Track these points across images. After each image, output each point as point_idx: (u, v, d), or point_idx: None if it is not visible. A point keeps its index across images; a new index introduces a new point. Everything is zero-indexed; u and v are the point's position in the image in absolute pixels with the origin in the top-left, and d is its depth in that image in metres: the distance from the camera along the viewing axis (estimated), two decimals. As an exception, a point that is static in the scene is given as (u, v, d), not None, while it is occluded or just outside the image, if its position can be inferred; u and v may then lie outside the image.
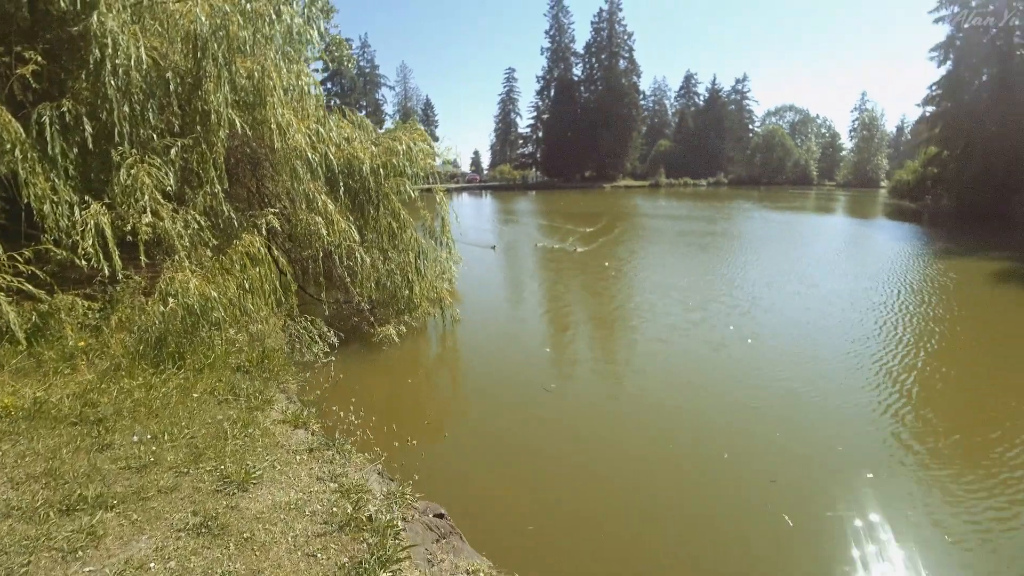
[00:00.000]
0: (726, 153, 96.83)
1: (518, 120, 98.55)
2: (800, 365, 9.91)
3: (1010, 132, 34.30)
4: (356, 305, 11.16)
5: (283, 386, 6.84)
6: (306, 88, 10.33)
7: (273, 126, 9.13)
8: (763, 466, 6.51)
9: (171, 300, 6.50)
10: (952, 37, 40.75)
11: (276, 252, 9.52)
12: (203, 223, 8.23)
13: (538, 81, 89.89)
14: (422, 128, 13.19)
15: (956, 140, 41.17)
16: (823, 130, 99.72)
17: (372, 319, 10.96)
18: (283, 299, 8.47)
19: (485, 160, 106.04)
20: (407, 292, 11.57)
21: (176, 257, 7.53)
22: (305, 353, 8.84)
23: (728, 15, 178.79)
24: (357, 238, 10.40)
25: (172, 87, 8.37)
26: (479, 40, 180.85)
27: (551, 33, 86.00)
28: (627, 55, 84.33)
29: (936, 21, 41.52)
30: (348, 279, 10.79)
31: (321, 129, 10.39)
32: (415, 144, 11.99)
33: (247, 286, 7.69)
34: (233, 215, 9.10)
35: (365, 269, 10.86)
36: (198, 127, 8.67)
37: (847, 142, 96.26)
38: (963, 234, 29.34)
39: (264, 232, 9.31)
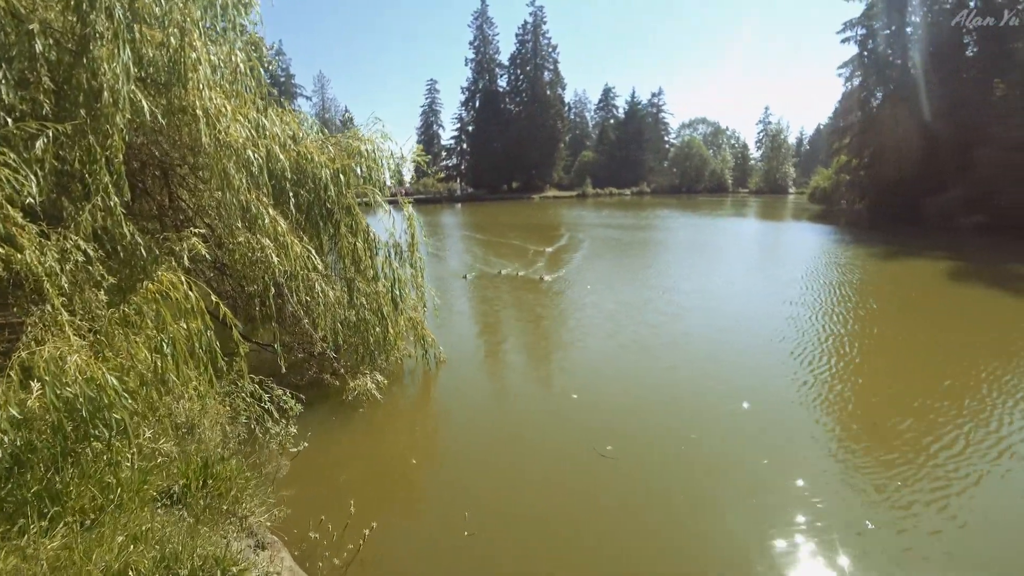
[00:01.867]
0: (647, 163, 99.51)
1: (441, 132, 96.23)
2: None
3: (912, 141, 36.50)
4: (317, 352, 8.51)
5: (246, 519, 4.26)
6: (241, 67, 7.63)
7: (198, 112, 6.46)
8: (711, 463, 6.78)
9: (35, 391, 3.75)
10: (859, 54, 43.62)
11: (201, 291, 6.75)
12: (91, 253, 5.41)
13: (463, 92, 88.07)
14: (382, 128, 10.69)
15: (864, 149, 44.20)
16: (733, 141, 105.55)
17: (340, 369, 8.37)
18: (225, 363, 5.69)
19: (407, 172, 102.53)
20: (381, 331, 9.05)
21: (47, 308, 4.71)
22: (262, 437, 6.17)
23: (641, 31, 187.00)
24: (319, 265, 7.83)
25: (40, 49, 5.55)
26: (399, 50, 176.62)
27: (475, 44, 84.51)
28: (552, 67, 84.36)
29: (843, 41, 44.53)
30: (306, 319, 8.14)
31: (264, 120, 7.75)
32: (381, 145, 9.56)
33: (167, 350, 4.92)
34: (139, 239, 6.27)
35: (328, 305, 8.27)
36: (82, 111, 5.84)
37: (755, 152, 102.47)
38: (878, 233, 31.74)
39: (185, 262, 6.58)
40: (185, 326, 4.91)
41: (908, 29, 39.23)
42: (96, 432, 3.80)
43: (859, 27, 43.08)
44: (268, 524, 4.66)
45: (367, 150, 9.42)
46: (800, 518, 5.72)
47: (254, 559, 3.88)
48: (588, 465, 6.78)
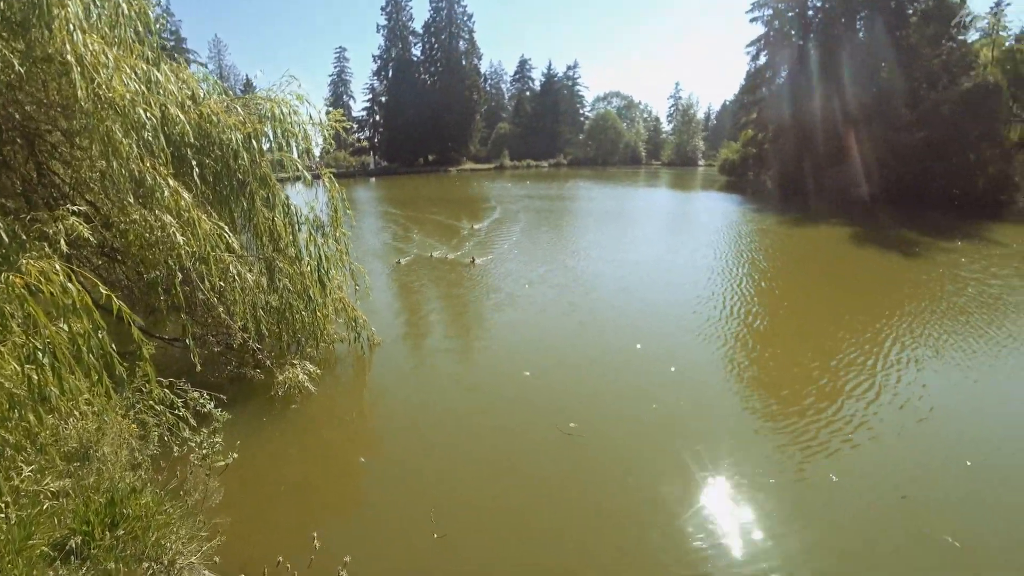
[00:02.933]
0: (563, 136, 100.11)
1: (352, 103, 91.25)
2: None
3: (810, 118, 38.97)
4: (236, 344, 7.52)
5: (174, 564, 3.47)
6: (124, 7, 6.30)
7: (70, 59, 5.24)
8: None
9: None
10: (765, 34, 45.71)
11: (87, 282, 5.60)
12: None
13: (374, 61, 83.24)
14: (298, 88, 9.50)
15: (768, 124, 46.73)
16: (645, 115, 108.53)
17: (266, 361, 7.46)
18: (125, 368, 4.65)
19: (317, 147, 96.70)
20: (308, 316, 8.17)
21: None
22: (179, 451, 5.24)
23: (557, 4, 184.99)
24: (235, 245, 6.82)
25: None
26: (304, 16, 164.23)
27: (388, 10, 79.80)
28: (467, 36, 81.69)
29: (752, 20, 46.36)
30: (221, 307, 7.12)
31: (157, 75, 6.53)
32: (297, 107, 8.51)
33: (44, 359, 3.88)
34: (-1, 220, 5.05)
35: (246, 290, 7.28)
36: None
37: (666, 126, 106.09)
38: (782, 203, 34.44)
39: (63, 247, 5.44)
40: (67, 327, 3.90)
41: (810, 12, 41.45)
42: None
43: (766, 7, 45.22)
44: (203, 564, 3.87)
45: (281, 113, 8.33)
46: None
47: None
48: (554, 445, 6.45)
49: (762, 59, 47.51)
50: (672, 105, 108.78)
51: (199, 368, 6.09)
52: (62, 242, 5.48)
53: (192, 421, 5.43)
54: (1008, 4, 36.19)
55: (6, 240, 4.93)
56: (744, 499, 5.59)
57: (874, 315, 11.40)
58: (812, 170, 37.90)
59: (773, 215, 28.59)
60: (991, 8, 37.24)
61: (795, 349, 9.68)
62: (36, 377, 3.55)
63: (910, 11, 35.19)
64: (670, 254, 19.03)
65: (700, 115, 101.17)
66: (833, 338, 10.10)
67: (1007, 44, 32.89)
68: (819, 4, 40.42)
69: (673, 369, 8.76)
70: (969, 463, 6.16)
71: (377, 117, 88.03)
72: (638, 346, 9.48)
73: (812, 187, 37.24)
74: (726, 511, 5.42)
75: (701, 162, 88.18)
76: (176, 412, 5.36)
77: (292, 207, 8.30)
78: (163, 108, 6.56)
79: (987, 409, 7.57)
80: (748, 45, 48.58)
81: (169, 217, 6.07)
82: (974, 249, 18.42)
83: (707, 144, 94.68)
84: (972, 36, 34.25)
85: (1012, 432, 6.98)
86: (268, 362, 7.70)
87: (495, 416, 7.26)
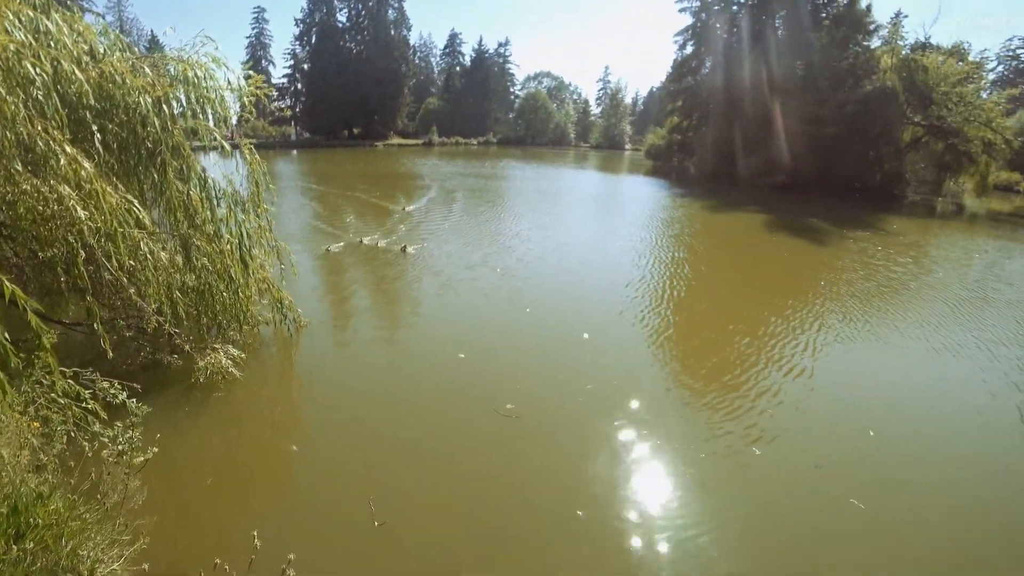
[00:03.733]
0: (493, 114, 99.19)
1: (271, 69, 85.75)
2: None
3: (732, 108, 40.88)
4: (150, 328, 6.94)
5: (93, 573, 3.15)
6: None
7: (-63, 2, 4.52)
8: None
9: None
10: (693, 25, 47.10)
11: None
12: None
13: (297, 25, 78.21)
14: (214, 49, 8.71)
15: (693, 112, 48.71)
16: (575, 97, 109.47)
17: (185, 346, 6.95)
18: (21, 360, 4.11)
19: (233, 115, 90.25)
20: (230, 297, 7.66)
21: None
22: (89, 448, 4.75)
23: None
24: (145, 220, 6.24)
25: None
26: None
27: (311, -30, 75.38)
28: (396, 4, 78.18)
29: (681, 10, 47.73)
30: (132, 288, 6.51)
31: (47, 24, 5.77)
32: (213, 71, 7.85)
33: None
34: None
35: (159, 269, 6.70)
36: None
37: (595, 109, 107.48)
38: (703, 189, 35.96)
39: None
40: None
41: (735, 7, 43.06)
42: None
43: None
44: (126, 571, 3.55)
45: (196, 76, 7.64)
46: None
47: None
48: (491, 426, 6.46)
49: (689, 49, 49.10)
50: (601, 89, 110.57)
51: (110, 355, 5.55)
52: (-66, 214, 4.79)
53: (103, 414, 4.95)
54: (906, 16, 39.60)
55: None
56: (675, 473, 5.87)
57: (787, 297, 12.32)
58: (732, 158, 39.94)
59: (696, 200, 29.91)
60: (891, 18, 40.59)
61: (718, 329, 10.22)
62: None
63: (823, 15, 37.48)
64: (608, 236, 19.57)
65: (628, 100, 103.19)
66: (752, 318, 10.77)
67: (904, 53, 35.79)
68: (743, 0, 42.08)
69: (586, 336, 9.39)
70: (872, 433, 6.77)
71: (299, 85, 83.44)
72: (585, 335, 9.55)
73: (732, 174, 39.25)
74: (659, 485, 5.67)
75: (628, 146, 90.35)
76: (83, 405, 4.86)
77: (209, 180, 7.70)
78: (55, 63, 5.83)
79: (890, 384, 8.34)
80: (676, 34, 50.19)
81: (67, 188, 5.43)
82: (874, 238, 20.19)
83: (634, 129, 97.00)
84: (875, 43, 37.17)
85: (911, 404, 7.75)
86: (187, 347, 7.17)
87: (431, 399, 7.16)
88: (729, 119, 40.80)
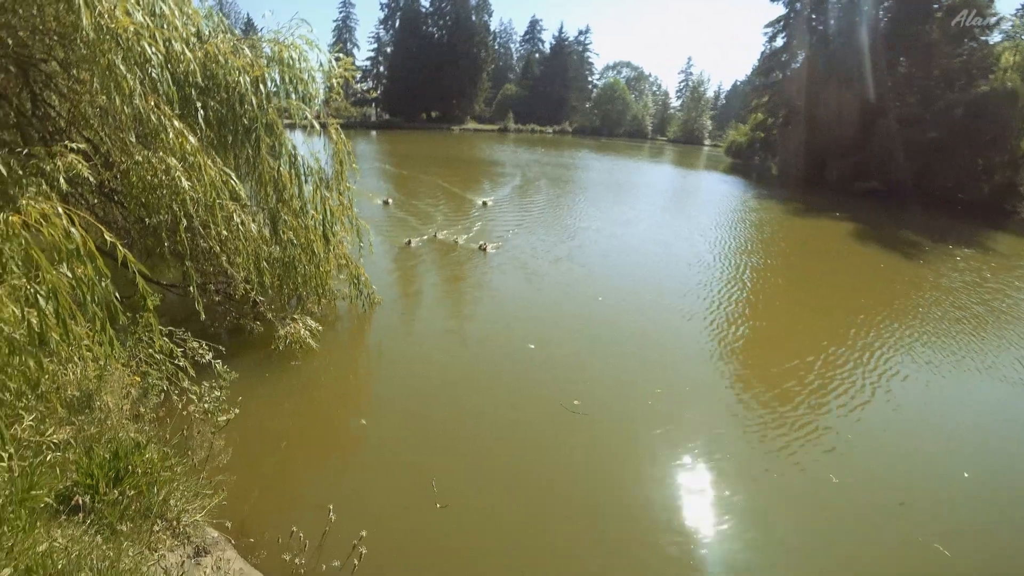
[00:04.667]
0: (570, 102, 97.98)
1: (356, 52, 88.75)
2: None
3: (823, 106, 38.13)
4: (238, 295, 7.38)
5: (178, 520, 3.40)
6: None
7: (72, -15, 4.93)
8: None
9: None
10: (786, 15, 44.21)
11: (84, 223, 5.39)
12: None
13: (382, 9, 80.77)
14: (308, 32, 9.04)
15: (780, 109, 45.73)
16: (655, 88, 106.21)
17: (268, 314, 7.34)
18: (127, 318, 4.47)
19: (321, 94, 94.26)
20: (312, 270, 8.01)
21: None
22: (179, 403, 5.13)
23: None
24: (242, 193, 6.61)
25: None
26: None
27: (397, -43, 77.14)
28: (478, -10, 79.15)
29: (773, 0, 44.69)
30: (224, 256, 6.95)
31: (162, 6, 6.17)
32: (307, 52, 8.15)
33: (45, 304, 3.65)
34: (-5, 152, 4.81)
35: (249, 240, 7.09)
36: None
37: (674, 101, 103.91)
38: (786, 191, 33.78)
39: (62, 185, 5.21)
40: (69, 272, 3.71)
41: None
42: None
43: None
44: (207, 522, 3.82)
45: (290, 57, 7.96)
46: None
47: (198, 575, 3.10)
48: (557, 419, 6.43)
49: (779, 41, 46.20)
50: (683, 81, 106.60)
51: (202, 317, 5.95)
52: (61, 180, 5.25)
53: (191, 372, 5.32)
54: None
55: (4, 174, 4.72)
56: (739, 491, 5.59)
57: (873, 313, 11.38)
58: (820, 159, 37.38)
59: (778, 203, 28.25)
60: (1017, 10, 36.05)
61: (796, 342, 9.68)
62: (39, 322, 3.40)
63: (936, 5, 33.76)
64: (687, 236, 18.45)
65: (710, 93, 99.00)
66: (835, 333, 10.07)
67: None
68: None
69: (659, 337, 8.88)
70: (967, 475, 6.17)
71: (381, 68, 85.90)
72: (657, 337, 9.32)
73: (818, 177, 36.79)
74: (721, 503, 5.42)
75: (707, 142, 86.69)
76: (175, 362, 5.24)
77: (298, 158, 8.04)
78: (167, 44, 6.24)
79: (993, 423, 7.52)
80: (766, 26, 47.02)
81: (174, 160, 5.83)
82: (982, 257, 18.19)
83: (714, 124, 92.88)
84: (995, 38, 33.20)
85: (1016, 449, 6.96)
86: (269, 315, 7.58)
87: (497, 386, 7.23)
88: (819, 118, 38.04)
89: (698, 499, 5.44)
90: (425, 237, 15.01)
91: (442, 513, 4.84)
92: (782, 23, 45.28)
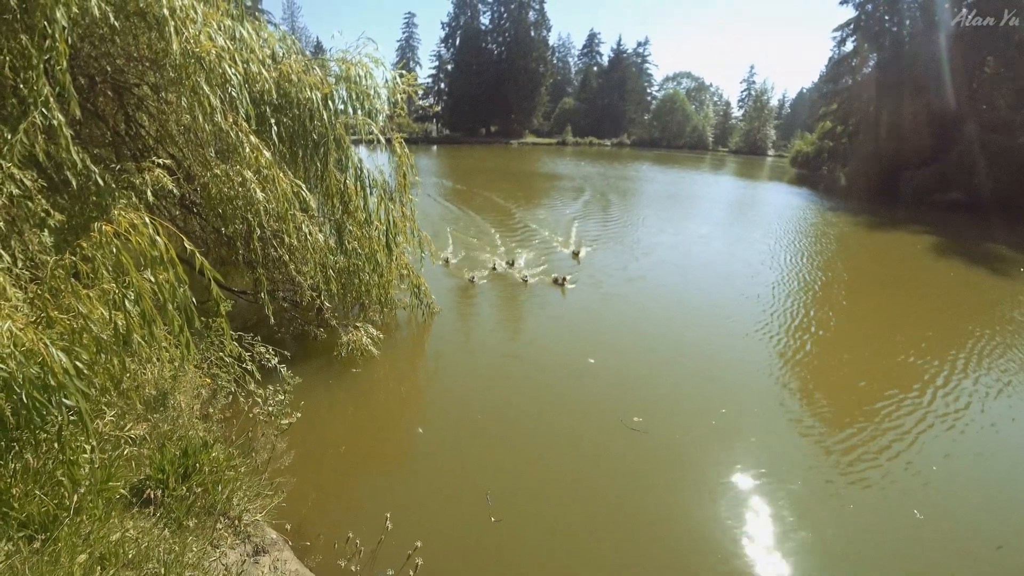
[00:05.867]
0: (628, 114, 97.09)
1: (418, 70, 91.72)
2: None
3: (898, 112, 35.81)
4: (304, 302, 7.66)
5: (239, 519, 3.52)
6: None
7: (164, 13, 5.30)
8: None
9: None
10: (856, 17, 42.06)
11: (167, 233, 5.73)
12: (28, 183, 4.39)
13: (443, 28, 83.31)
14: (373, 50, 9.36)
15: (850, 117, 43.21)
16: (715, 98, 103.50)
17: (332, 321, 7.57)
18: (202, 322, 4.73)
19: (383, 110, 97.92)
20: (375, 280, 8.22)
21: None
22: (245, 405, 5.34)
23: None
24: (312, 204, 6.88)
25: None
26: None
27: (458, -23, 79.51)
28: (537, 6, 79.97)
29: (842, 3, 42.58)
30: (292, 265, 7.23)
31: (241, 31, 6.56)
32: (373, 70, 8.43)
33: (131, 307, 3.90)
34: (92, 167, 5.21)
35: (317, 249, 7.35)
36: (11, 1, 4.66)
37: (736, 111, 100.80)
38: (857, 203, 31.40)
39: (149, 198, 5.57)
40: (152, 278, 3.95)
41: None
42: (40, 420, 2.91)
43: (860, -10, 41.49)
44: (266, 522, 3.93)
45: (357, 75, 8.26)
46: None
47: (256, 573, 3.18)
48: (615, 436, 6.25)
49: (849, 45, 43.51)
50: (745, 90, 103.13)
51: (272, 321, 6.21)
52: (148, 193, 5.63)
53: (258, 375, 5.54)
54: None
55: (101, 185, 5.09)
56: (811, 527, 5.19)
57: (952, 336, 10.41)
58: (895, 169, 34.90)
59: (849, 215, 26.55)
60: None
61: (870, 365, 9.01)
62: (125, 323, 3.63)
63: None
64: (759, 252, 17.28)
65: (774, 102, 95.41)
66: (912, 357, 9.28)
67: None
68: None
69: (724, 356, 8.41)
70: None
71: (442, 85, 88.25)
72: (722, 356, 8.93)
73: (892, 188, 34.51)
74: (792, 532, 5.07)
75: (771, 152, 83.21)
76: (243, 366, 5.48)
77: (364, 170, 8.30)
78: (246, 65, 6.60)
79: None
80: (835, 30, 44.49)
81: (249, 173, 6.14)
82: None
83: (778, 134, 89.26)
84: None
85: None
86: (333, 322, 7.81)
87: (555, 400, 7.11)
88: (893, 125, 35.59)
89: (761, 525, 5.10)
90: (484, 274, 12.88)
91: (496, 527, 4.77)
92: (852, 26, 42.91)
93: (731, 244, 18.59)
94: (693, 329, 9.99)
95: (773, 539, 4.92)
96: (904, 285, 14.66)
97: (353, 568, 4.08)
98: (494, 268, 13.22)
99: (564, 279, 12.26)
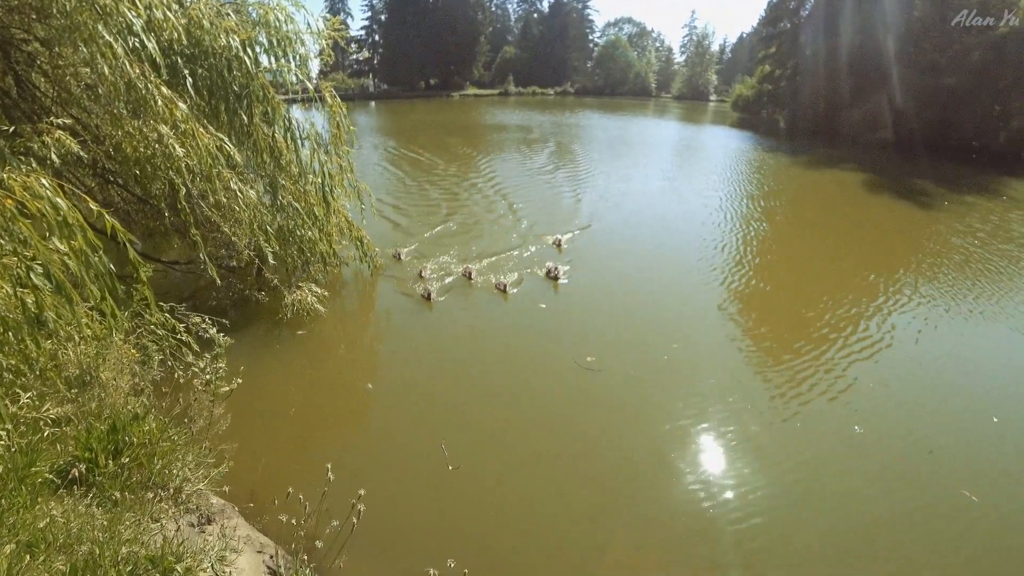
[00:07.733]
0: (571, 63, 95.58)
1: (349, 21, 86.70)
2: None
3: (833, 55, 36.63)
4: (242, 265, 7.39)
5: (180, 490, 3.44)
6: None
7: (43, -53, 4.78)
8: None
9: None
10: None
11: (78, 200, 5.36)
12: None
13: (373, -25, 78.61)
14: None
15: (788, 60, 44.00)
16: (657, 44, 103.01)
17: (274, 282, 7.35)
18: (123, 291, 4.43)
19: (314, 66, 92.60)
20: (314, 236, 7.98)
21: None
22: (183, 376, 5.17)
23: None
24: (237, 158, 6.53)
25: None
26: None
27: (384, -83, 74.55)
28: (471, -52, 76.65)
29: None
30: (225, 226, 6.92)
31: (140, -31, 5.99)
32: (294, 14, 7.93)
33: (41, 282, 3.57)
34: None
35: (249, 207, 7.04)
36: None
37: (678, 57, 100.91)
38: (795, 143, 32.60)
39: (54, 161, 5.16)
40: (60, 246, 3.65)
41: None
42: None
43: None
44: (210, 490, 3.86)
45: (276, 19, 7.75)
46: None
47: (201, 542, 3.14)
48: (569, 377, 6.41)
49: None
50: (686, 35, 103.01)
51: (218, 282, 5.99)
52: (52, 156, 5.20)
53: (195, 346, 5.37)
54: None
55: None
56: (759, 445, 5.54)
57: (885, 265, 11.07)
58: (829, 111, 36.21)
59: (787, 155, 27.50)
60: None
61: (810, 295, 9.51)
62: (34, 300, 3.38)
63: None
64: (709, 192, 17.80)
65: (715, 47, 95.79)
66: (848, 285, 9.87)
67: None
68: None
69: (674, 294, 8.76)
70: (996, 419, 6.07)
71: (376, 37, 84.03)
72: (670, 294, 9.19)
73: (828, 128, 35.72)
74: (746, 452, 5.39)
75: (712, 97, 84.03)
76: (178, 337, 5.29)
77: (293, 122, 7.91)
78: (149, 11, 6.08)
79: (1013, 362, 7.45)
80: None
81: (165, 128, 5.75)
82: (992, 205, 17.55)
83: (720, 79, 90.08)
84: None
85: None
86: (275, 281, 7.59)
87: (508, 346, 7.21)
88: (829, 67, 36.51)
89: (716, 449, 5.44)
90: (451, 279, 9.77)
91: (454, 475, 4.87)
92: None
93: (680, 186, 18.97)
94: (646, 271, 10.25)
95: (724, 459, 5.27)
96: (843, 219, 15.40)
97: (295, 522, 4.01)
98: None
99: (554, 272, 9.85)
